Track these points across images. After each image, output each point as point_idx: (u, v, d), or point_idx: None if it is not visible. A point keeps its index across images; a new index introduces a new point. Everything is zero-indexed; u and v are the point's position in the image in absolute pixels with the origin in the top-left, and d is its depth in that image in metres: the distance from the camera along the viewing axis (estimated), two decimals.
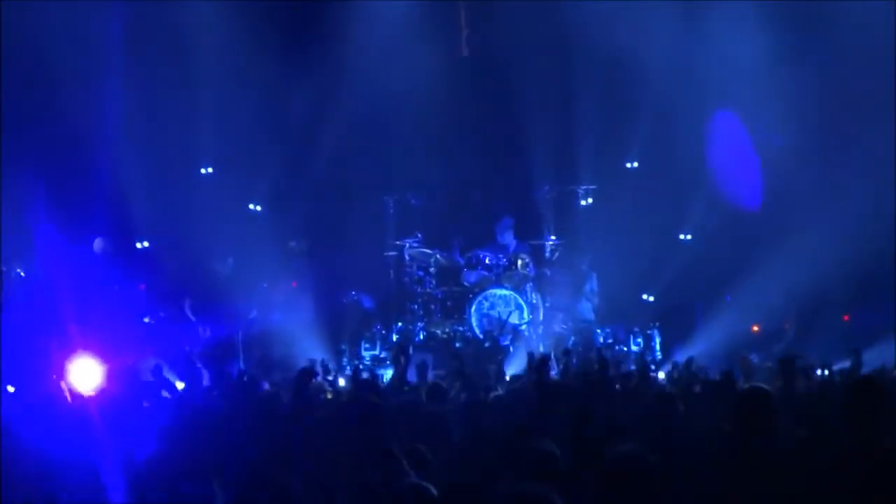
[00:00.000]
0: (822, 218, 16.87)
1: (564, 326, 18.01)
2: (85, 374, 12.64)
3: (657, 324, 18.36)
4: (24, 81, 17.28)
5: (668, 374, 14.51)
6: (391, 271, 19.47)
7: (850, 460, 6.14)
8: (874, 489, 5.97)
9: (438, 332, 18.61)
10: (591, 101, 19.08)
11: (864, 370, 12.53)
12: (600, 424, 7.99)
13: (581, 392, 10.12)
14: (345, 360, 17.88)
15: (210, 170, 19.90)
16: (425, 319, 18.81)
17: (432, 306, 18.94)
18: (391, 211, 19.51)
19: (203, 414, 9.89)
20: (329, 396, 12.77)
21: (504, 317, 18.11)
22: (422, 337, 18.55)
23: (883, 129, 17.21)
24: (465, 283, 18.71)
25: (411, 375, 13.28)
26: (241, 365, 16.39)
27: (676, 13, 18.42)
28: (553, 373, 14.18)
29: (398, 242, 19.14)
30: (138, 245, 19.36)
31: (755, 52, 18.51)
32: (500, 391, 12.66)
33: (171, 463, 6.76)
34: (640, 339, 18.09)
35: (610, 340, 18.24)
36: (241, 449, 7.95)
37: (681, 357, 15.61)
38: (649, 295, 19.33)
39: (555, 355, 15.42)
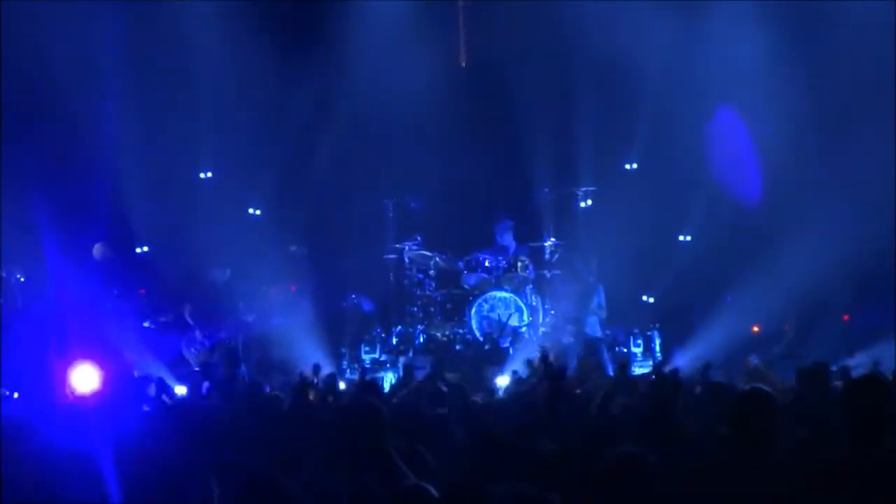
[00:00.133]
0: (822, 218, 16.85)
1: (573, 339, 17.94)
2: (85, 379, 12.66)
3: (657, 325, 18.36)
4: (23, 87, 17.27)
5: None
6: (391, 274, 19.47)
7: (850, 461, 6.14)
8: (874, 490, 5.96)
9: (438, 334, 18.61)
10: (590, 103, 19.08)
11: (862, 371, 12.51)
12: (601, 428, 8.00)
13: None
14: (344, 363, 17.88)
15: (209, 174, 19.91)
16: (425, 322, 18.81)
17: (432, 309, 18.94)
18: (390, 214, 19.51)
19: (203, 418, 9.90)
20: (329, 399, 12.77)
21: (504, 319, 18.11)
22: (422, 340, 18.55)
23: (883, 130, 17.20)
24: (465, 286, 18.71)
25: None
26: (242, 369, 16.40)
27: (675, 15, 18.41)
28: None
29: (398, 245, 19.14)
30: (138, 250, 19.37)
31: (754, 54, 18.51)
32: (500, 394, 12.71)
33: (170, 466, 6.75)
34: (640, 341, 18.09)
35: (610, 342, 18.23)
36: (242, 452, 7.94)
37: (681, 359, 15.63)
38: (649, 296, 19.33)
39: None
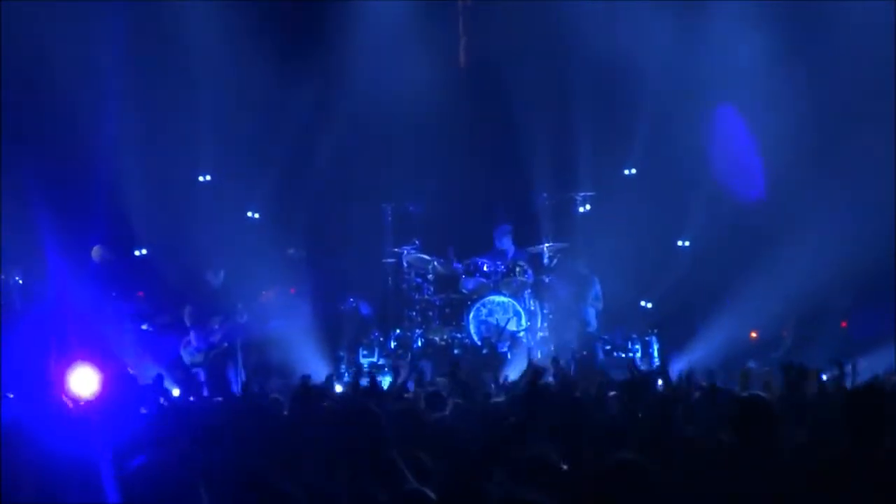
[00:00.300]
0: (822, 222, 16.87)
1: (575, 337, 17.91)
2: (83, 381, 12.67)
3: (655, 330, 18.36)
4: (23, 89, 17.28)
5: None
6: (389, 278, 19.47)
7: (849, 464, 6.15)
8: (875, 491, 5.97)
9: (437, 338, 18.60)
10: (588, 108, 19.08)
11: (862, 377, 12.50)
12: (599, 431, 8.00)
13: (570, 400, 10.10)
14: (343, 366, 17.87)
15: (208, 177, 19.90)
16: (423, 326, 18.80)
17: (430, 313, 18.93)
18: (389, 218, 19.51)
19: (201, 420, 9.89)
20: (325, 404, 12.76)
21: (502, 324, 18.11)
22: (420, 344, 18.54)
23: (883, 132, 17.22)
24: (464, 290, 18.70)
25: (410, 383, 13.27)
26: (241, 372, 16.41)
27: (674, 20, 18.43)
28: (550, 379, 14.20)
29: (396, 249, 19.12)
30: (137, 252, 19.37)
31: (754, 56, 18.52)
32: (500, 398, 12.68)
33: (168, 469, 6.75)
34: (638, 346, 18.09)
35: (608, 347, 18.24)
36: (240, 455, 7.94)
37: (678, 364, 15.63)
38: (647, 301, 19.32)
39: (553, 361, 15.47)
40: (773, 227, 18.12)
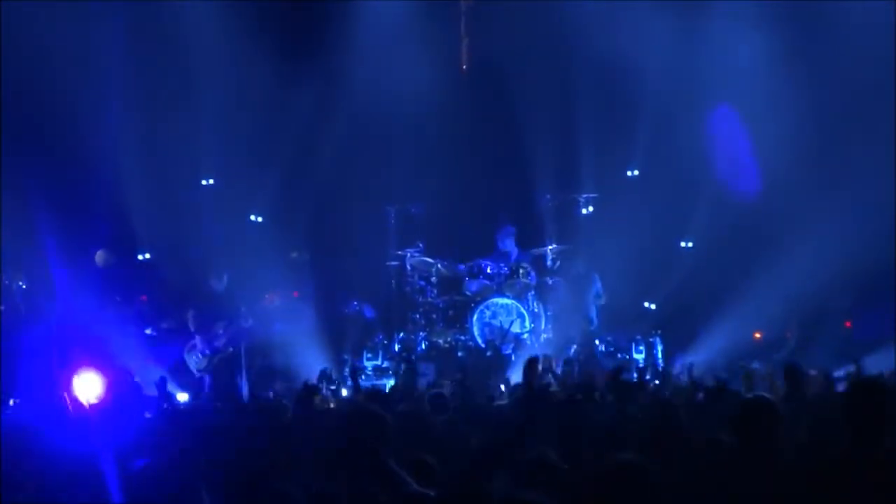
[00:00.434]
0: (823, 222, 16.86)
1: (579, 337, 17.89)
2: (87, 386, 12.67)
3: (659, 331, 18.35)
4: (26, 94, 17.28)
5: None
6: (393, 281, 19.46)
7: (850, 464, 6.14)
8: (875, 493, 5.97)
9: (440, 341, 18.60)
10: (591, 110, 19.08)
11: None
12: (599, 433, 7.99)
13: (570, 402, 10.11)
14: (346, 370, 17.86)
15: (211, 181, 19.90)
16: (427, 329, 18.81)
17: (434, 316, 18.94)
18: (392, 220, 19.51)
19: (205, 424, 9.90)
20: (332, 405, 12.79)
21: (506, 326, 18.11)
22: (424, 346, 18.54)
23: (884, 133, 17.21)
24: (467, 293, 18.71)
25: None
26: (244, 375, 16.41)
27: (676, 22, 18.42)
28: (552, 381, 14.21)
29: (400, 252, 19.13)
30: (140, 257, 19.36)
31: (755, 58, 18.51)
32: (504, 400, 12.69)
33: (170, 472, 6.76)
34: (641, 347, 18.08)
35: (612, 349, 18.24)
36: (244, 458, 7.95)
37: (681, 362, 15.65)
38: (651, 303, 19.31)
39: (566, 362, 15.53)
40: (776, 227, 18.11)
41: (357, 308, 19.27)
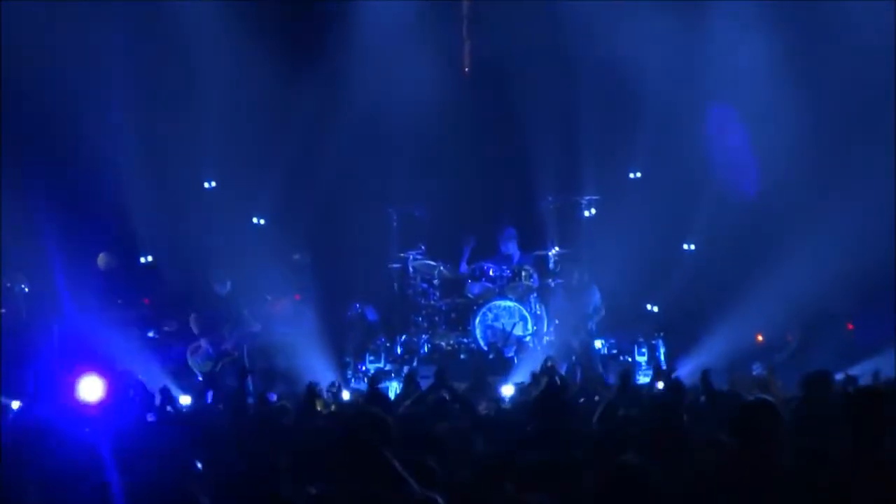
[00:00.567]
0: (827, 224, 16.85)
1: (578, 346, 17.87)
2: (90, 389, 12.66)
3: (662, 334, 18.34)
4: (28, 97, 17.29)
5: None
6: (395, 283, 19.45)
7: (852, 468, 6.15)
8: (876, 495, 5.97)
9: (443, 344, 18.61)
10: (593, 112, 19.07)
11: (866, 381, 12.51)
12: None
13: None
14: (349, 372, 17.88)
15: (213, 183, 19.91)
16: (430, 332, 18.81)
17: (436, 318, 18.94)
18: (395, 223, 19.51)
19: (208, 428, 9.90)
20: (333, 409, 12.78)
21: (508, 328, 18.11)
22: (426, 349, 18.54)
23: (886, 135, 17.20)
24: (469, 295, 18.71)
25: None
26: (247, 378, 16.40)
27: (678, 23, 18.42)
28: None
29: (402, 254, 19.13)
30: (142, 259, 19.37)
31: (758, 61, 18.51)
32: (505, 404, 12.69)
33: (173, 476, 6.77)
34: (644, 350, 18.08)
35: (614, 351, 18.24)
36: (247, 462, 7.95)
37: (684, 369, 15.62)
38: (653, 305, 19.31)
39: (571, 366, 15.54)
40: (778, 229, 18.11)
41: (359, 310, 19.27)
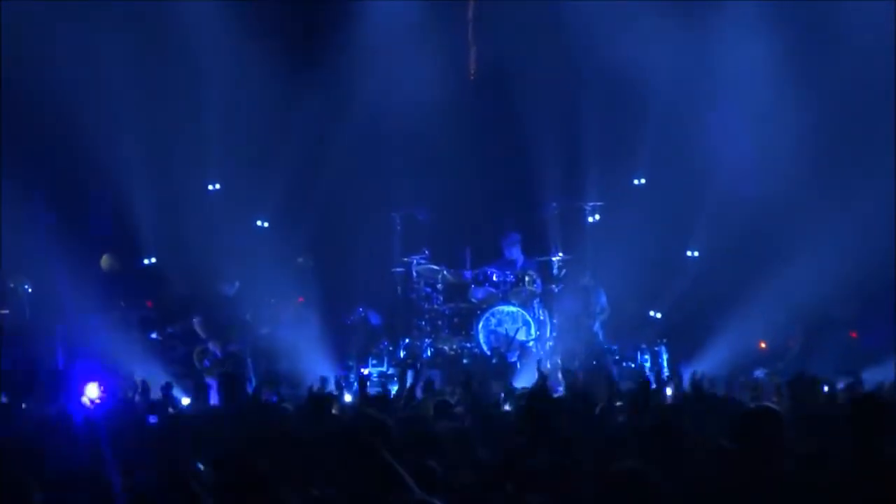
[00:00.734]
0: (830, 233, 16.85)
1: (582, 347, 17.88)
2: (92, 390, 12.69)
3: (664, 340, 18.33)
4: (31, 98, 17.31)
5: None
6: (398, 287, 19.44)
7: (855, 475, 6.14)
8: (876, 502, 5.97)
9: (446, 348, 18.59)
10: (598, 118, 19.10)
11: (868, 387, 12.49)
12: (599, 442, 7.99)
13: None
14: (352, 376, 17.87)
15: (217, 186, 19.93)
16: (433, 336, 18.78)
17: (439, 323, 18.92)
18: (398, 227, 19.49)
19: (210, 429, 9.91)
20: (335, 412, 12.77)
21: (511, 333, 18.11)
22: (429, 353, 18.53)
23: (890, 142, 17.20)
24: (473, 300, 18.70)
25: (419, 391, 13.27)
26: (251, 381, 16.41)
27: (683, 30, 18.43)
28: (559, 389, 14.20)
29: (405, 259, 19.12)
30: (145, 261, 19.39)
31: (763, 68, 18.51)
32: (508, 407, 12.67)
33: (174, 477, 6.77)
34: (647, 356, 18.07)
35: (617, 357, 18.23)
36: (248, 464, 7.95)
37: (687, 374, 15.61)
38: (657, 311, 19.30)
39: (561, 372, 15.46)
40: (782, 236, 18.11)
41: (362, 314, 19.26)
